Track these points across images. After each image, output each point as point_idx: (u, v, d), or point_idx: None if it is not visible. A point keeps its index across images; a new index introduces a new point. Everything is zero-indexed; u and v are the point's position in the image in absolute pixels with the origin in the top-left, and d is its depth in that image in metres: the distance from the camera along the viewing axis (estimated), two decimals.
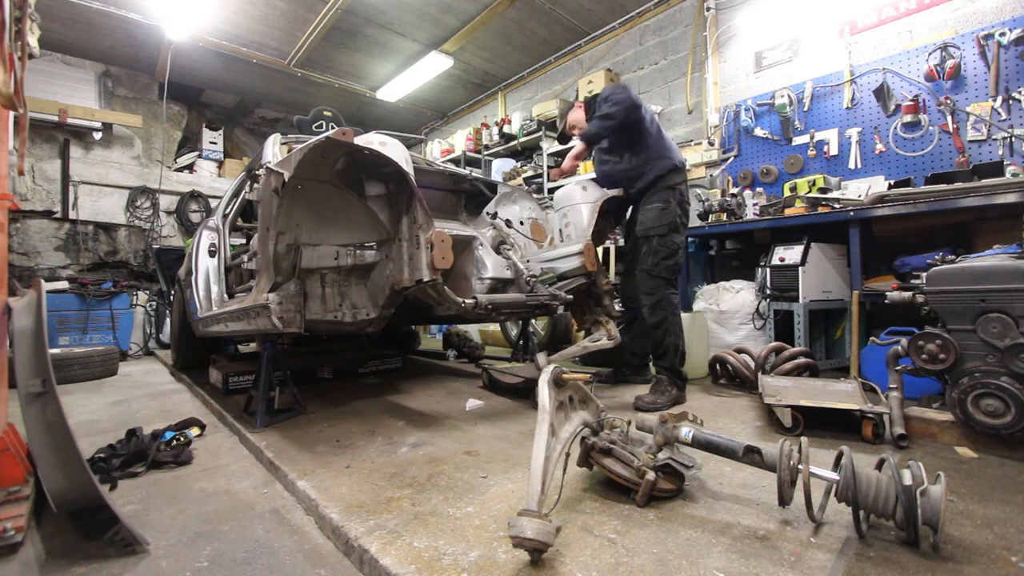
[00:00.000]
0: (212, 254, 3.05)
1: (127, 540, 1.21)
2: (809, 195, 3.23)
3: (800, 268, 2.97)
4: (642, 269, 2.53)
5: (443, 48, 5.73)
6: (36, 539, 1.30)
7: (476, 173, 2.97)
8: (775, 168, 3.98)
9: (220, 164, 7.11)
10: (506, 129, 6.14)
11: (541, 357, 2.35)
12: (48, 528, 1.34)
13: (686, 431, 1.39)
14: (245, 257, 2.81)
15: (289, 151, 2.46)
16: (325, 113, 3.26)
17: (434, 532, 1.20)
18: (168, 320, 5.26)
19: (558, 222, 2.73)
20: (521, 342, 3.74)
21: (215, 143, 7.10)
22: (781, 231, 3.28)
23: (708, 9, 4.44)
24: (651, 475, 1.30)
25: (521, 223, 2.88)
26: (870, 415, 1.79)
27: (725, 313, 3.29)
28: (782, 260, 3.08)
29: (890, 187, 3.08)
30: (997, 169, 2.67)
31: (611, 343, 2.49)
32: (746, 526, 1.19)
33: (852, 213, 2.82)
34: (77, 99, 5.87)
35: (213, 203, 6.19)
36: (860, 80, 3.56)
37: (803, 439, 1.23)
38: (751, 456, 1.28)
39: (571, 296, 2.40)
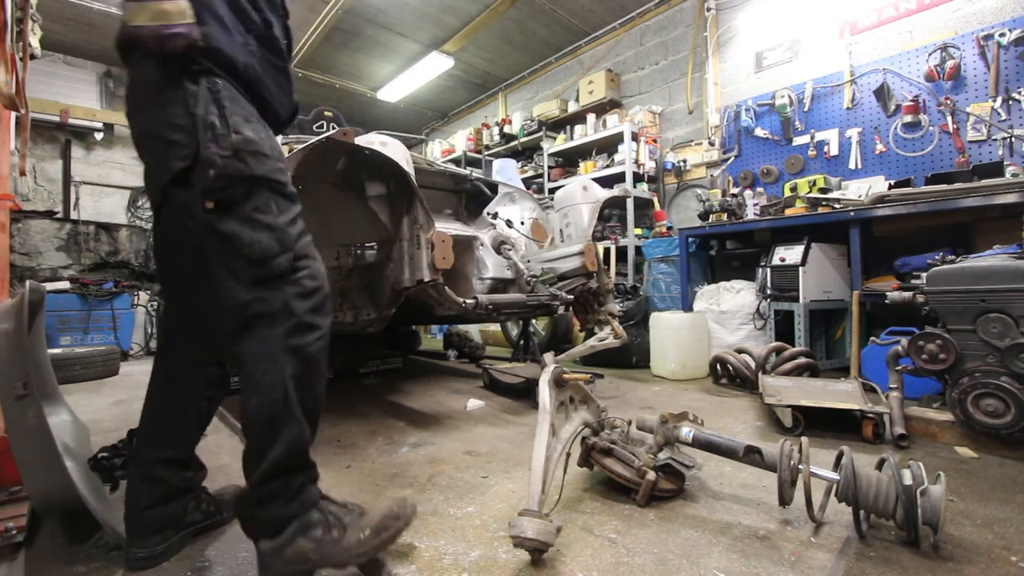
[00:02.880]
0: None
1: (110, 546, 1.22)
2: (809, 195, 3.23)
3: (800, 268, 2.97)
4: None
5: (444, 48, 5.73)
6: (38, 538, 1.30)
7: (477, 173, 2.97)
8: (775, 168, 3.99)
9: None
10: (507, 129, 6.14)
11: (548, 357, 2.34)
12: (50, 527, 1.35)
13: (687, 431, 1.39)
14: None
15: (290, 151, 2.46)
16: (326, 113, 3.26)
17: (435, 532, 1.20)
18: None
19: (559, 222, 2.73)
20: (522, 342, 3.74)
21: None
22: (781, 231, 3.28)
23: (708, 9, 4.44)
24: (652, 475, 1.30)
25: (522, 223, 2.88)
26: (870, 415, 1.79)
27: (725, 313, 3.30)
28: (782, 260, 3.08)
29: (890, 187, 3.07)
30: (997, 169, 2.67)
31: (618, 342, 2.48)
32: (746, 526, 1.20)
33: (852, 213, 2.82)
34: (79, 99, 5.88)
35: None
36: (860, 80, 3.56)
37: (803, 439, 1.23)
38: (751, 456, 1.28)
39: (572, 296, 2.41)
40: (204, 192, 1.02)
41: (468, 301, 1.98)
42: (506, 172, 5.05)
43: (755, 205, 3.58)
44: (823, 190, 3.33)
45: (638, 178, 4.70)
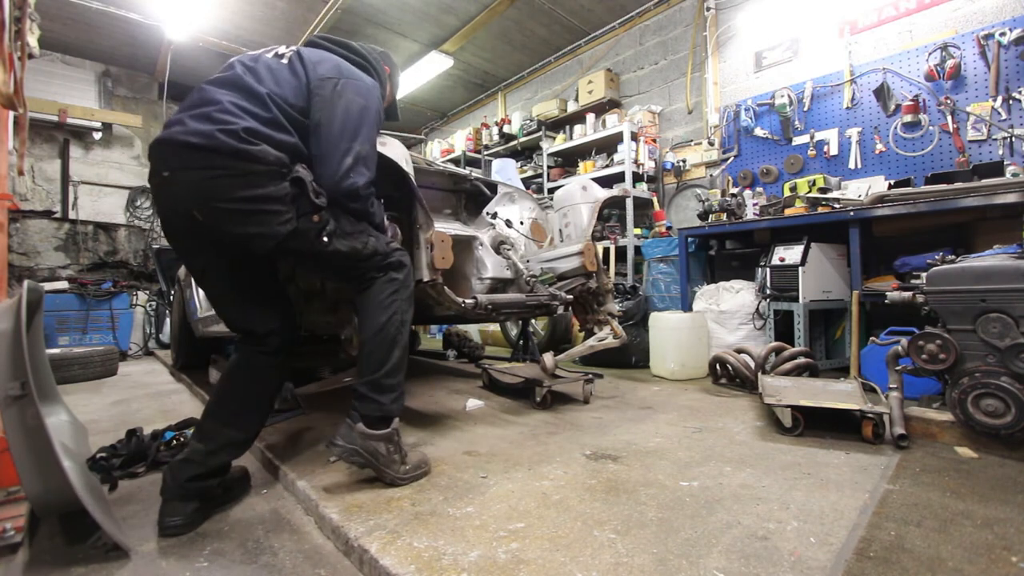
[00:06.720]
0: None
1: (109, 546, 1.21)
2: (809, 195, 3.22)
3: (800, 268, 2.97)
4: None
5: (443, 48, 5.73)
6: (36, 539, 1.30)
7: (476, 173, 2.96)
8: (775, 168, 3.99)
9: None
10: (506, 129, 6.14)
11: (548, 357, 2.33)
12: (48, 528, 1.34)
13: None
14: None
15: None
16: None
17: (434, 532, 1.20)
18: (168, 320, 5.26)
19: (558, 222, 2.73)
20: (521, 342, 3.73)
21: None
22: (781, 231, 3.28)
23: (708, 9, 4.44)
24: None
25: (521, 223, 2.88)
26: (870, 415, 1.78)
27: (725, 313, 3.29)
28: (782, 260, 3.08)
29: (890, 187, 3.07)
30: (997, 169, 2.67)
31: (617, 342, 2.47)
32: (746, 526, 1.19)
33: (852, 213, 2.82)
34: (77, 99, 5.87)
35: None
36: (860, 80, 3.56)
37: None
38: None
39: (571, 296, 2.40)
40: (318, 234, 1.39)
41: (467, 301, 1.97)
42: (505, 172, 5.04)
43: (755, 205, 3.58)
44: (823, 190, 3.32)
45: (637, 178, 4.69)
